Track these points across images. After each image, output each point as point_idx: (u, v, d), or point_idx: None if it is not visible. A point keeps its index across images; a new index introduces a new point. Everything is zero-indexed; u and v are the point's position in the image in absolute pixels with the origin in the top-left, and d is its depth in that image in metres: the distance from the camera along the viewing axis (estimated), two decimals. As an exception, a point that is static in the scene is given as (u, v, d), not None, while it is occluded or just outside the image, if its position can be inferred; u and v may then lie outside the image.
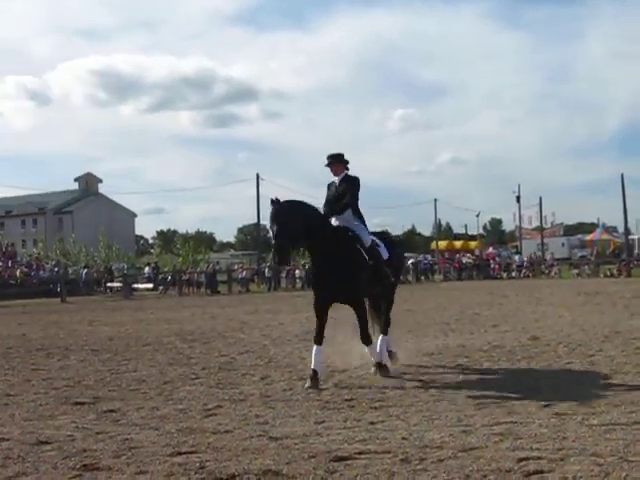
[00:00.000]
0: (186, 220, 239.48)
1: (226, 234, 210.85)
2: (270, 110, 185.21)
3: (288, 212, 10.92)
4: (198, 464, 6.83)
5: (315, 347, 11.31)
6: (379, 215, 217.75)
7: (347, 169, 11.90)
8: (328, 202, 11.80)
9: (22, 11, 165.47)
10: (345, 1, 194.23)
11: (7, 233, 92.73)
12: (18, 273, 47.31)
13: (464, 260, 68.60)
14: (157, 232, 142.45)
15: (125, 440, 7.86)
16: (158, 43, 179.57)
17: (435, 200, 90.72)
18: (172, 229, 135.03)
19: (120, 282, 49.68)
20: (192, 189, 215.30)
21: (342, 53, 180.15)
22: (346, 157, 11.96)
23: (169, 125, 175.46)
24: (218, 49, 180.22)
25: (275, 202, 10.94)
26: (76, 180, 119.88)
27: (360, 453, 7.03)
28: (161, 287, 50.85)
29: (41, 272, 49.08)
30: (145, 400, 10.22)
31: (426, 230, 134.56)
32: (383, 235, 12.74)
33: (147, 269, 58.62)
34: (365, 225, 11.77)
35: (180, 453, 7.25)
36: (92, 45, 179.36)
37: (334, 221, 11.66)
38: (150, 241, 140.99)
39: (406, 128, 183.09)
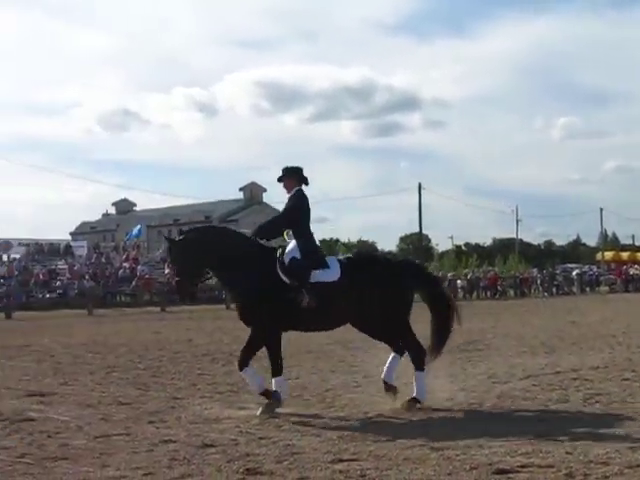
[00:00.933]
0: (348, 229, 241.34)
1: (388, 243, 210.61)
2: (432, 119, 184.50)
3: (182, 248, 10.47)
4: (359, 472, 6.86)
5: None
6: (543, 225, 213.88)
7: (304, 184, 10.73)
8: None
9: (188, 23, 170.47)
10: (507, 8, 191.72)
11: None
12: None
13: (631, 272, 66.57)
14: (320, 241, 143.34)
15: (287, 446, 7.96)
16: (320, 53, 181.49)
17: (601, 209, 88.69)
18: (334, 238, 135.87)
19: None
20: (354, 198, 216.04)
21: (503, 60, 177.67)
22: (304, 172, 10.76)
23: (331, 134, 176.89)
24: (379, 58, 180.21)
25: (168, 240, 10.87)
26: (241, 189, 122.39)
27: (523, 466, 6.90)
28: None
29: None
30: (307, 407, 10.34)
31: (591, 240, 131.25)
32: (354, 256, 11.43)
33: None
34: (306, 244, 10.48)
35: (341, 460, 7.30)
36: (256, 56, 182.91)
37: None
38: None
39: (569, 136, 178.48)
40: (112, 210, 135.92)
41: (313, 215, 10.65)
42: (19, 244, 52.50)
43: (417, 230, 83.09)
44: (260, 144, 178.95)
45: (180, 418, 9.68)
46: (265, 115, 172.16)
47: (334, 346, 18.78)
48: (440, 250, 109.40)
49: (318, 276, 10.27)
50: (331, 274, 10.34)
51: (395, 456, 7.40)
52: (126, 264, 49.39)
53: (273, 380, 10.48)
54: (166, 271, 49.22)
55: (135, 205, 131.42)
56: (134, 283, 46.44)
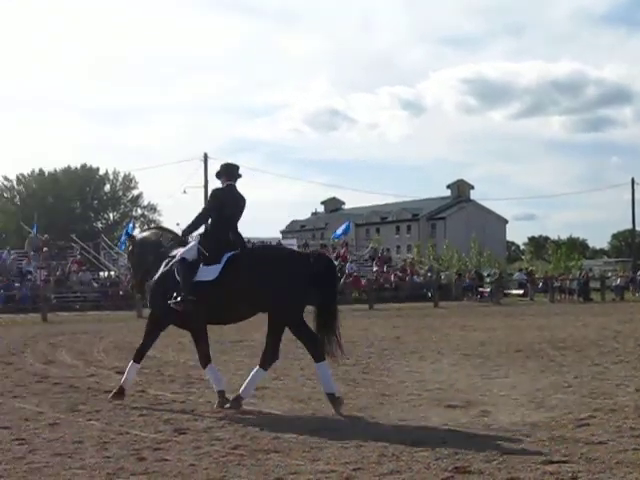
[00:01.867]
0: (558, 226, 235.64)
1: (599, 240, 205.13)
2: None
3: (133, 250, 12.10)
4: (570, 474, 6.73)
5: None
6: None
7: (234, 180, 11.10)
8: None
9: (394, 22, 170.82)
10: None
11: (382, 238, 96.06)
12: (393, 277, 48.91)
13: None
14: (528, 238, 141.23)
15: (496, 445, 7.89)
16: (527, 48, 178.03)
17: None
18: (543, 235, 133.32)
19: (491, 288, 49.81)
20: (563, 195, 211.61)
21: None
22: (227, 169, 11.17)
23: (539, 130, 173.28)
24: (589, 51, 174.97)
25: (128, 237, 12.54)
26: (448, 187, 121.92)
27: None
28: (531, 293, 50.42)
29: (415, 277, 50.31)
30: (516, 406, 10.20)
31: None
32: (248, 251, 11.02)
33: (517, 274, 58.47)
34: (206, 241, 10.84)
35: (552, 462, 7.17)
36: (462, 53, 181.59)
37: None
38: (521, 247, 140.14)
39: None
40: (321, 209, 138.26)
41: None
42: (233, 242, 54.08)
43: (630, 227, 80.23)
44: (467, 141, 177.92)
45: (389, 415, 9.76)
46: (472, 112, 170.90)
47: (543, 345, 18.47)
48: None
49: (201, 274, 10.58)
50: (212, 272, 10.53)
51: (608, 459, 7.21)
52: (335, 262, 50.13)
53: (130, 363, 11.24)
54: (374, 268, 49.88)
55: (343, 203, 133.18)
56: (342, 281, 47.04)
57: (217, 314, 10.83)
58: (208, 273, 10.55)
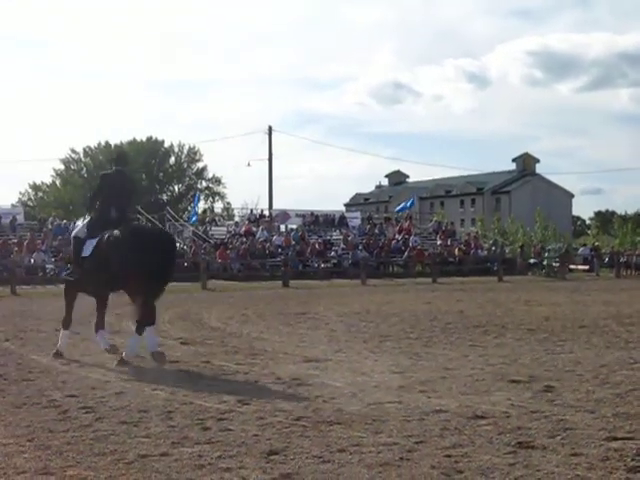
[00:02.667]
0: (625, 200, 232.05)
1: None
2: None
3: None
4: (635, 451, 6.67)
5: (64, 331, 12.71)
6: None
7: (122, 164, 12.81)
8: None
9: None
10: None
11: (447, 212, 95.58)
12: (457, 251, 48.63)
13: None
14: (594, 213, 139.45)
15: (560, 421, 7.84)
16: (595, 20, 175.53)
17: None
18: (610, 210, 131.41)
19: (556, 263, 49.33)
20: (631, 169, 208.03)
21: None
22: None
23: (607, 103, 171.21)
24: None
25: None
26: (514, 160, 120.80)
27: None
28: (597, 268, 49.84)
29: (479, 251, 49.98)
30: (581, 382, 10.11)
31: None
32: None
33: (582, 249, 57.78)
34: (91, 221, 12.32)
35: (616, 438, 7.11)
36: (527, 25, 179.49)
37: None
38: (587, 222, 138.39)
39: None
40: (385, 182, 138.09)
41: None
42: (296, 215, 54.18)
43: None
44: (533, 114, 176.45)
45: (451, 388, 9.74)
46: (538, 85, 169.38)
47: (609, 321, 18.27)
48: None
49: (84, 250, 12.03)
50: (89, 248, 11.97)
51: (674, 436, 7.14)
52: (399, 235, 50.06)
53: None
54: (438, 242, 49.66)
55: (407, 177, 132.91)
56: (406, 254, 46.97)
57: (96, 284, 12.23)
58: (87, 249, 12.00)
